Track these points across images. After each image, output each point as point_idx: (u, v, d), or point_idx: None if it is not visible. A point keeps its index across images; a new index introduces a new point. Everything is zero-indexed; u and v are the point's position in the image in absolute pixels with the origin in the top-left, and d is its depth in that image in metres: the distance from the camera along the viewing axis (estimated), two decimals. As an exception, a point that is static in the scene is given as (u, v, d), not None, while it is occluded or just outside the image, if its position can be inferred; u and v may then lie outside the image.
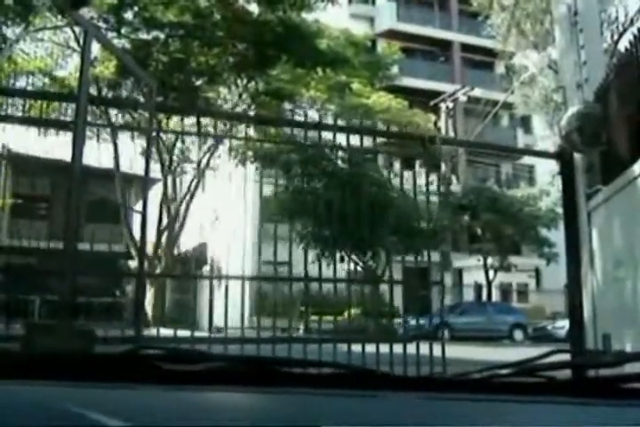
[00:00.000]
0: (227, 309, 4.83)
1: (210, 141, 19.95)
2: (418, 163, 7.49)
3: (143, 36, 17.31)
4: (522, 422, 0.97)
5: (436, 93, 31.64)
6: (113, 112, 19.10)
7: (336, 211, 5.41)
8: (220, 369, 1.18)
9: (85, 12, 5.72)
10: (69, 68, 20.50)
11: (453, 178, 29.81)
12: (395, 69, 28.62)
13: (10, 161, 16.58)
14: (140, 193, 21.77)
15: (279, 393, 1.10)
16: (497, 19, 21.19)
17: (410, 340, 4.90)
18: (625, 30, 17.82)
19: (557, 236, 18.30)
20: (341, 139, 5.46)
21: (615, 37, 17.65)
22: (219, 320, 4.89)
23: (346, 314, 5.70)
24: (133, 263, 23.76)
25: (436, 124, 29.38)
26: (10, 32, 15.41)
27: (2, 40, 14.88)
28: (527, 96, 22.07)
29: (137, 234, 18.56)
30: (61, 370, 1.14)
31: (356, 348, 4.82)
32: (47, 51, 20.41)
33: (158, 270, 22.12)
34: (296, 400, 1.06)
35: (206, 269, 21.07)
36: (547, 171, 22.45)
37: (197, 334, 5.22)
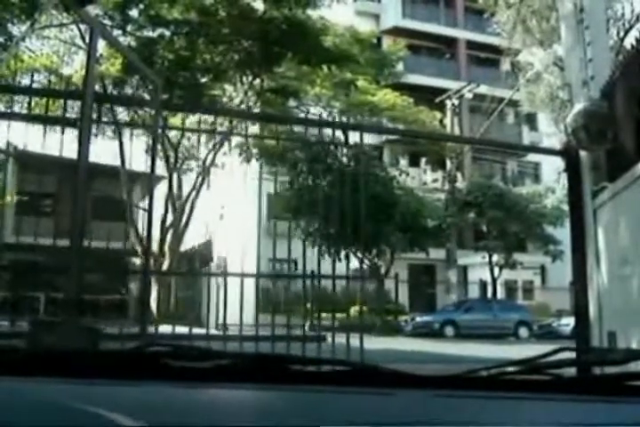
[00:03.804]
0: (226, 305, 4.83)
1: (215, 139, 19.96)
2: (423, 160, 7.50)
3: (149, 33, 17.33)
4: (527, 420, 0.97)
5: (442, 91, 31.59)
6: (119, 109, 19.14)
7: (345, 208, 5.38)
8: (228, 366, 1.19)
9: (91, 10, 5.73)
10: (75, 66, 20.54)
11: (459, 175, 29.77)
12: (400, 67, 28.57)
13: (15, 158, 16.63)
14: (145, 190, 21.76)
15: (288, 391, 1.11)
16: (502, 16, 21.10)
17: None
18: (631, 27, 17.77)
19: (563, 233, 18.26)
20: (348, 136, 5.45)
21: (621, 34, 17.60)
22: (229, 318, 4.89)
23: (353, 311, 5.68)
24: (139, 260, 23.76)
25: (441, 121, 29.35)
26: (16, 30, 15.45)
27: (8, 37, 14.91)
28: (533, 93, 21.99)
29: (143, 231, 18.61)
30: (69, 367, 1.15)
31: (369, 345, 4.81)
32: (53, 48, 20.45)
33: (164, 267, 22.13)
34: (305, 398, 1.06)
35: (212, 266, 21.06)
36: (552, 168, 22.35)
37: (204, 331, 5.22)
